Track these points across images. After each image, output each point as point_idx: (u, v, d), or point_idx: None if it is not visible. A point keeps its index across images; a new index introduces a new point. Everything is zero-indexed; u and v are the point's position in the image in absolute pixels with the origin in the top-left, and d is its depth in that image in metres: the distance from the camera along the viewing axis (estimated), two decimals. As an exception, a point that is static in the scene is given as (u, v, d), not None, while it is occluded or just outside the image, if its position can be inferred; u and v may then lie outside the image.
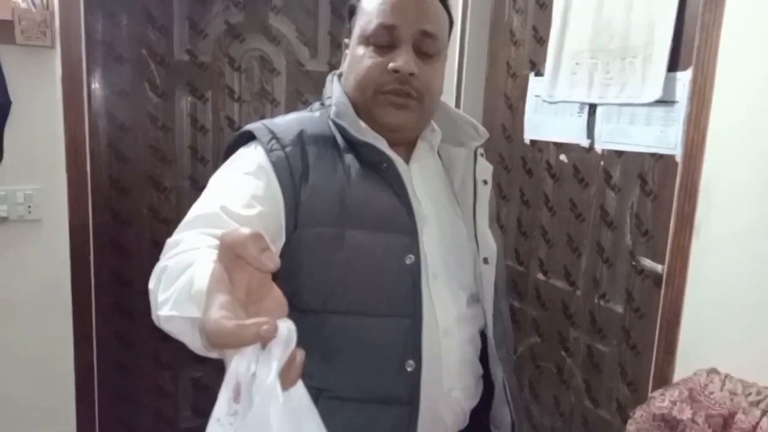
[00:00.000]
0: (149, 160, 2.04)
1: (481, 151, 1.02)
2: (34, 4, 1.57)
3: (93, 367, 1.87)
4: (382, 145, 0.91)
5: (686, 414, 1.19)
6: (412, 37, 0.90)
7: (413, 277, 0.88)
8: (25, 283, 1.74)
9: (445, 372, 0.91)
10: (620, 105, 1.65)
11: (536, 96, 1.95)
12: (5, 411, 1.77)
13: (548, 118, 1.91)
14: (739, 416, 1.13)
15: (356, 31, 0.94)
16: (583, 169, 1.80)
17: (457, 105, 2.20)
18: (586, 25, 1.72)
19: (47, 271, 1.76)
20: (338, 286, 0.87)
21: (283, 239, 0.85)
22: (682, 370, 1.41)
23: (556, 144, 1.89)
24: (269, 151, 0.86)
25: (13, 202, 1.68)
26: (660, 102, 1.51)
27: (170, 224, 2.10)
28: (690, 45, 1.43)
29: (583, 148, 1.78)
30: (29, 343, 1.77)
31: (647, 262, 1.58)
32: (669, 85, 1.49)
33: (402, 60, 0.88)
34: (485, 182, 1.01)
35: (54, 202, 1.73)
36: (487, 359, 1.00)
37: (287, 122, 0.92)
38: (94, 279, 1.85)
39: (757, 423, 1.09)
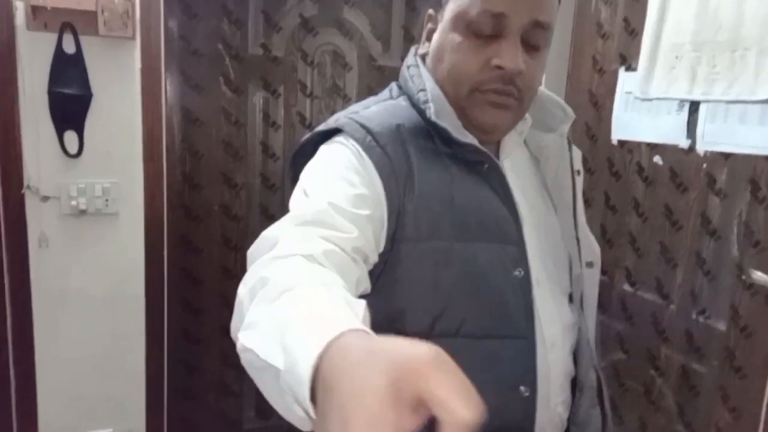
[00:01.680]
0: (222, 156, 2.03)
1: (569, 134, 0.91)
2: (116, -5, 1.56)
3: (163, 363, 1.86)
4: (480, 143, 0.80)
5: None
6: (522, 28, 0.76)
7: (524, 293, 0.80)
8: (101, 276, 1.74)
9: (552, 389, 0.84)
10: (728, 102, 1.50)
11: (627, 93, 1.81)
12: (77, 402, 1.78)
13: (640, 116, 1.77)
14: None
15: (452, 8, 0.79)
16: (682, 172, 1.66)
17: (537, 103, 2.09)
18: (688, 15, 1.59)
19: (122, 265, 1.75)
20: (447, 307, 0.76)
21: (381, 248, 0.74)
22: (803, 398, 1.26)
23: (649, 145, 1.76)
24: (367, 149, 0.74)
25: (91, 195, 1.68)
26: (778, 99, 1.37)
27: (240, 221, 2.08)
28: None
29: (682, 149, 1.64)
30: (102, 335, 1.77)
31: (758, 276, 1.44)
32: None
33: (509, 57, 0.75)
34: (579, 172, 0.92)
35: (130, 196, 1.73)
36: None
37: (378, 115, 0.80)
38: (167, 275, 1.84)
39: None
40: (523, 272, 0.80)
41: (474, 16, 0.76)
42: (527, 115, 0.89)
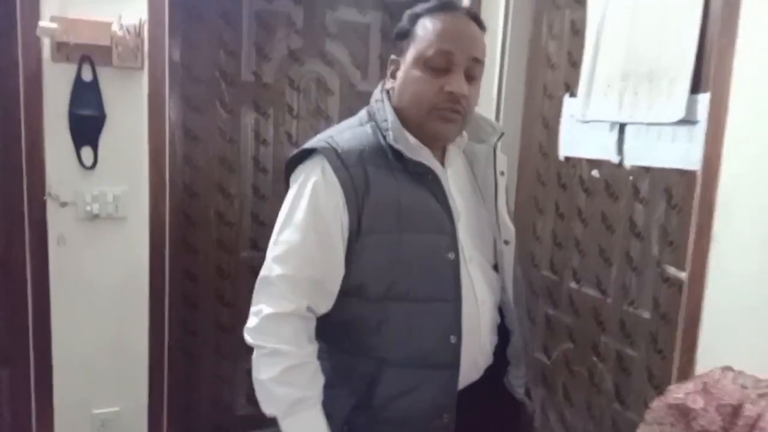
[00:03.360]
0: (217, 169, 2.28)
1: (498, 144, 1.20)
2: (128, 32, 1.83)
3: (164, 351, 2.08)
4: (427, 158, 1.10)
5: (699, 404, 1.29)
6: (465, 62, 1.06)
7: (454, 270, 1.10)
8: (111, 272, 1.98)
9: (483, 333, 1.17)
10: (648, 124, 1.76)
11: (570, 116, 2.06)
12: (89, 382, 2.01)
13: (581, 136, 2.03)
14: (747, 406, 1.22)
15: (411, 53, 1.08)
16: (614, 183, 1.91)
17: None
18: (617, 50, 1.85)
19: (129, 263, 1.99)
20: (395, 280, 1.06)
21: (346, 246, 1.06)
22: (702, 369, 1.49)
23: (588, 160, 2.01)
24: (336, 170, 1.03)
25: (104, 201, 1.92)
26: (684, 121, 1.62)
27: (233, 227, 2.33)
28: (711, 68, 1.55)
29: (614, 164, 1.89)
30: (111, 325, 2.00)
31: (672, 270, 1.69)
32: (692, 105, 1.59)
33: (457, 84, 1.05)
34: (502, 173, 1.20)
35: (137, 203, 1.97)
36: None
37: (348, 142, 1.07)
38: (168, 273, 2.07)
39: (762, 412, 1.19)
40: (454, 255, 1.09)
41: (430, 55, 1.05)
42: (465, 133, 1.18)
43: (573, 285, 2.10)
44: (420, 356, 1.09)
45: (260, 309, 1.03)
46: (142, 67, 1.91)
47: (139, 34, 1.86)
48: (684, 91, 1.62)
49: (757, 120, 1.37)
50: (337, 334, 1.12)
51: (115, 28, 1.83)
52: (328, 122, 2.42)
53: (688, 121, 1.62)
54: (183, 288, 2.27)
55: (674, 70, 1.66)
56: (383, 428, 1.10)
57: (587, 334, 2.03)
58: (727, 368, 1.36)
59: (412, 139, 1.09)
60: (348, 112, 2.43)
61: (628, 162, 1.85)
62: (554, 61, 2.19)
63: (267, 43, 2.29)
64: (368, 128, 1.11)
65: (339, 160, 1.04)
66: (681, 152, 1.67)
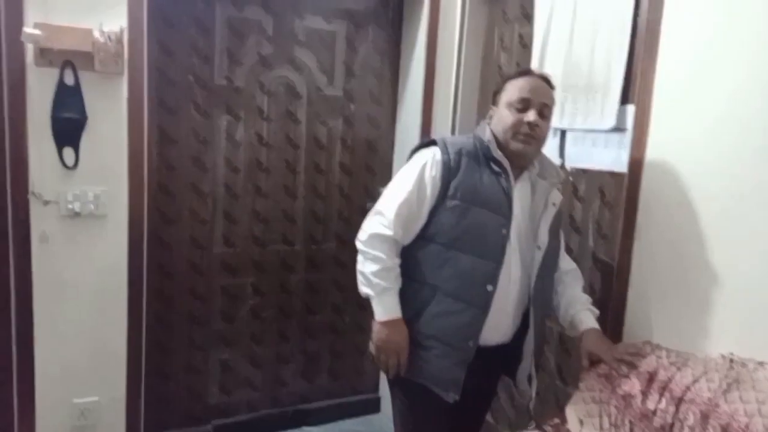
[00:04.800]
0: (191, 169, 2.39)
1: (558, 186, 1.67)
2: (110, 39, 1.94)
3: (141, 343, 2.18)
4: (507, 165, 1.56)
5: (622, 372, 1.52)
6: (538, 105, 1.56)
7: (502, 242, 1.56)
8: (91, 267, 2.07)
9: (511, 301, 1.61)
10: (585, 131, 1.99)
11: (519, 122, 2.29)
12: (69, 375, 2.09)
13: (529, 140, 2.25)
14: (661, 372, 1.46)
15: (503, 100, 1.60)
16: (557, 183, 2.14)
17: (453, 126, 2.56)
18: (558, 65, 2.07)
19: (109, 258, 2.08)
20: (460, 236, 1.54)
21: (432, 204, 1.57)
22: (627, 345, 1.73)
23: (535, 162, 2.23)
24: (441, 154, 1.58)
25: (84, 200, 2.01)
26: (615, 129, 1.85)
27: (206, 224, 2.45)
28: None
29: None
30: (91, 318, 2.10)
31: (605, 259, 1.92)
32: (621, 115, 1.82)
33: (533, 116, 1.55)
34: (554, 204, 1.66)
35: (117, 201, 2.06)
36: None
37: (454, 141, 1.62)
38: (145, 268, 2.18)
39: (672, 376, 1.43)
40: (506, 231, 1.56)
41: (514, 99, 1.57)
42: (538, 167, 1.65)
43: (521, 275, 2.31)
44: (463, 292, 1.54)
45: (370, 228, 1.58)
46: (122, 73, 2.01)
47: (120, 41, 1.96)
48: (615, 103, 1.84)
49: (674, 129, 1.61)
50: (413, 266, 1.59)
51: (96, 34, 1.92)
52: (296, 124, 2.57)
53: (618, 129, 1.85)
54: (159, 283, 2.38)
55: (607, 85, 1.89)
56: (423, 338, 1.58)
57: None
58: (647, 342, 1.59)
59: (499, 153, 1.57)
60: (315, 114, 2.60)
61: (569, 164, 2.08)
62: (505, 70, 2.40)
63: (239, 50, 2.42)
64: (471, 140, 1.63)
65: (445, 148, 1.58)
66: (612, 156, 1.90)
